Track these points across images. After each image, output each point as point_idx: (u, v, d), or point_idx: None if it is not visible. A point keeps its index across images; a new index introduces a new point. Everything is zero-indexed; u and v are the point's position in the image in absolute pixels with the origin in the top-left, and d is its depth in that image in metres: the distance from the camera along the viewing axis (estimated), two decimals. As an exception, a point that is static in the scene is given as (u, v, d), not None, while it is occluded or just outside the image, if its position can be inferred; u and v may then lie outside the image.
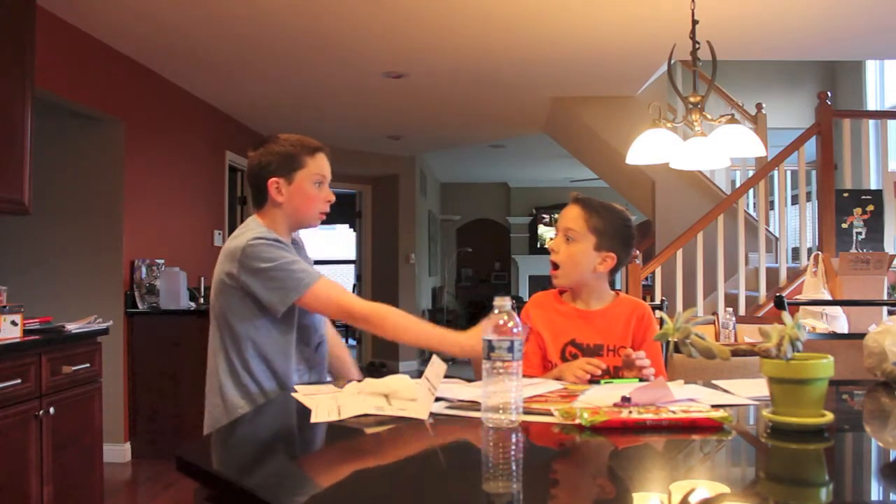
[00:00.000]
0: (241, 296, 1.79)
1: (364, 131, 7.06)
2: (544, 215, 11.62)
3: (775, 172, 5.41)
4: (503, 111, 6.15)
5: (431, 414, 1.40)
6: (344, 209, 8.29)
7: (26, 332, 2.85)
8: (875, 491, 1.06)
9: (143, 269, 4.50)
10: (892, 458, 1.23)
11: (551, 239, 1.99)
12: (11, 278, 3.70)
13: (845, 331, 4.13)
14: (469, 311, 10.98)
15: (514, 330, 1.28)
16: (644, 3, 3.68)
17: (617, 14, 3.84)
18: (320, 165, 1.92)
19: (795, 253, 5.50)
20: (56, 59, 3.69)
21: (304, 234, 2.10)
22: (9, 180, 2.96)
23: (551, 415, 1.36)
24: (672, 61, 3.41)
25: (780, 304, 3.25)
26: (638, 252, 5.09)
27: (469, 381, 1.71)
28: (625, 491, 1.04)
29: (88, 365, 3.15)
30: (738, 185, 5.80)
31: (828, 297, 4.44)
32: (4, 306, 2.77)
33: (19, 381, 2.67)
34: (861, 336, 1.84)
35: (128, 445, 4.39)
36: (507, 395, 1.27)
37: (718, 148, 3.14)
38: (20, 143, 3.03)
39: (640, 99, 5.44)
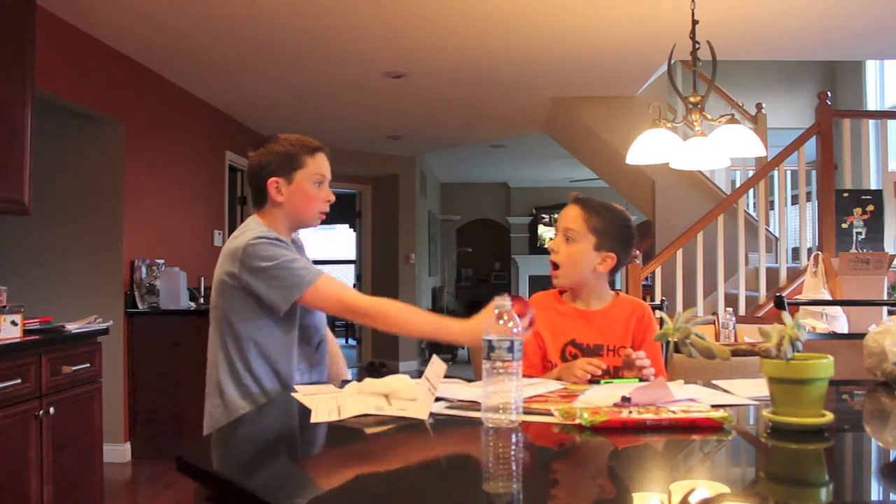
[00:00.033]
0: (242, 296, 1.79)
1: (364, 131, 7.06)
2: (544, 215, 11.62)
3: (775, 172, 5.41)
4: (503, 111, 6.15)
5: (431, 414, 1.40)
6: (344, 209, 8.28)
7: (26, 332, 2.85)
8: (875, 491, 1.06)
9: (143, 269, 4.50)
10: (892, 458, 1.23)
11: (551, 239, 1.99)
12: (11, 278, 3.70)
13: (845, 331, 4.13)
14: (469, 312, 10.91)
15: (514, 330, 1.28)
16: (644, 3, 3.68)
17: (617, 14, 3.84)
18: (320, 165, 1.92)
19: (795, 253, 5.50)
20: (56, 59, 3.69)
21: (304, 234, 2.10)
22: (9, 180, 2.96)
23: (551, 415, 1.36)
24: (672, 61, 3.41)
25: (780, 304, 3.25)
26: (638, 252, 5.09)
27: (469, 381, 1.71)
28: (625, 491, 1.04)
29: (88, 365, 3.15)
30: (738, 185, 5.80)
31: (828, 297, 4.44)
32: (4, 306, 2.77)
33: (19, 381, 2.67)
34: (861, 336, 1.84)
35: (128, 445, 4.39)
36: (507, 395, 1.27)
37: (718, 148, 3.14)
38: (20, 143, 3.03)
39: (640, 99, 5.44)
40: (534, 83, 5.22)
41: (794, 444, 1.23)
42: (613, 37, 4.21)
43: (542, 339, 1.93)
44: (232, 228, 5.25)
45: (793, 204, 6.17)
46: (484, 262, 11.79)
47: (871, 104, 6.49)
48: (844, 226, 4.72)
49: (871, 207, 4.72)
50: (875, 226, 4.70)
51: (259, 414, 1.67)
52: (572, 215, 1.93)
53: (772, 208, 6.28)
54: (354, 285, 8.89)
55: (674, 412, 1.29)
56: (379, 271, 8.67)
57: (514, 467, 1.15)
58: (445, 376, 1.47)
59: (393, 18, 3.90)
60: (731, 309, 3.79)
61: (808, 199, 5.44)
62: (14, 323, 2.75)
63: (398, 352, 8.35)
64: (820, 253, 4.64)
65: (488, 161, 9.48)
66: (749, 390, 1.58)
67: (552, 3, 3.70)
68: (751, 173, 5.51)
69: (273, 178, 1.87)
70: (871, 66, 6.56)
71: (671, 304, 4.48)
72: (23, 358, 2.71)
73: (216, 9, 3.70)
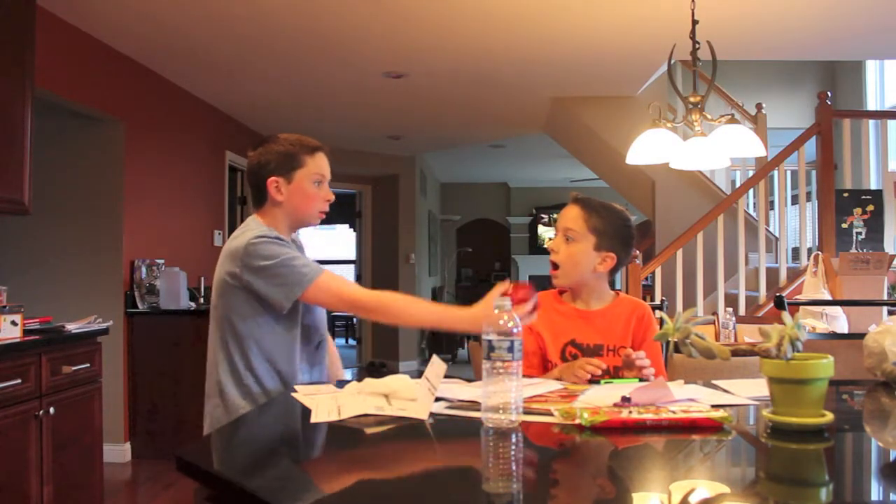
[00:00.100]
0: (244, 295, 1.79)
1: (364, 131, 7.06)
2: (544, 215, 11.62)
3: (775, 172, 5.41)
4: (503, 111, 6.15)
5: (431, 414, 1.40)
6: (344, 209, 8.29)
7: (26, 332, 2.85)
8: (875, 491, 1.06)
9: (143, 269, 4.50)
10: (892, 458, 1.23)
11: (551, 239, 1.99)
12: (11, 278, 3.71)
13: (845, 331, 4.13)
14: (469, 311, 10.96)
15: (514, 330, 1.28)
16: (644, 3, 3.68)
17: (617, 14, 3.84)
18: (319, 165, 1.92)
19: (795, 253, 5.50)
20: (56, 59, 3.69)
21: (304, 234, 2.10)
22: (9, 180, 2.96)
23: (551, 415, 1.36)
24: (672, 61, 3.41)
25: (780, 304, 3.25)
26: (638, 252, 5.09)
27: (469, 381, 1.71)
28: (625, 491, 1.04)
29: (88, 365, 3.15)
30: (738, 185, 5.80)
31: (828, 297, 4.44)
32: (4, 306, 2.77)
33: (19, 381, 2.67)
34: (861, 336, 1.84)
35: (128, 445, 4.39)
36: (507, 395, 1.26)
37: (718, 148, 3.14)
38: (20, 143, 3.03)
39: (640, 99, 5.44)
40: (534, 83, 5.22)
41: (794, 444, 1.23)
42: (613, 37, 4.21)
43: (542, 339, 1.93)
44: (232, 228, 5.25)
45: (793, 204, 6.17)
46: (484, 262, 11.79)
47: (871, 104, 6.49)
48: (844, 226, 4.72)
49: (871, 207, 4.72)
50: (875, 226, 4.71)
51: (259, 414, 1.67)
52: (572, 215, 1.93)
53: (772, 208, 6.28)
54: (354, 285, 8.89)
55: (674, 412, 1.29)
56: (379, 271, 8.66)
57: (514, 467, 1.15)
58: (445, 376, 1.47)
59: (393, 18, 3.90)
60: (731, 309, 3.79)
61: (808, 199, 5.44)
62: (14, 323, 2.75)
63: (398, 352, 8.35)
64: (820, 253, 4.64)
65: (488, 161, 9.48)
66: (749, 390, 1.58)
67: (552, 3, 3.70)
68: (751, 173, 5.51)
69: (273, 178, 1.87)
70: (871, 66, 6.56)
71: (671, 304, 4.48)
72: (23, 358, 2.71)
73: (216, 9, 3.70)
